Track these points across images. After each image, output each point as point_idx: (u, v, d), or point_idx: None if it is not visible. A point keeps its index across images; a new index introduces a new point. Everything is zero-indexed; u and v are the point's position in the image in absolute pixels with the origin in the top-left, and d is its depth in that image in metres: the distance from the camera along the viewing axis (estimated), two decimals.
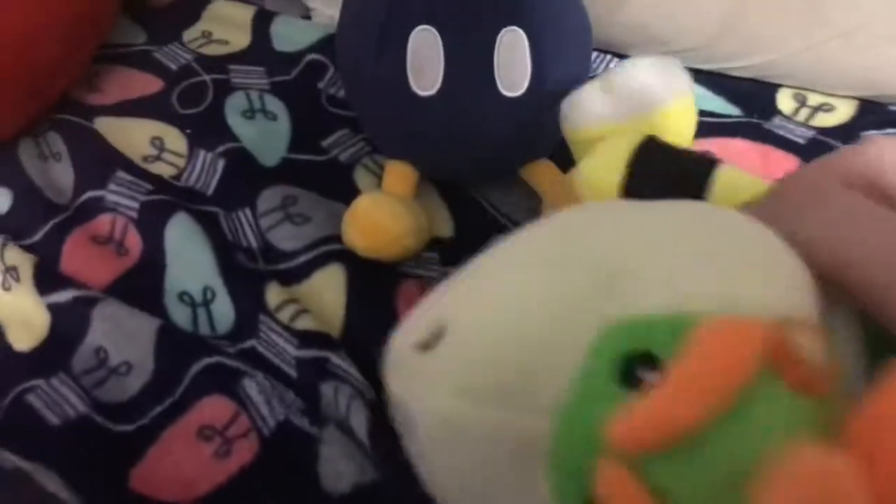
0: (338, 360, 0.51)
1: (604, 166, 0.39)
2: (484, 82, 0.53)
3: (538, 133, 0.57)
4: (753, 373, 0.19)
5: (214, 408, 0.51)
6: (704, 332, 0.19)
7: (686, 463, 0.19)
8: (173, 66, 0.74)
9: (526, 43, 0.53)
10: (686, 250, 0.23)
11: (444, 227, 0.61)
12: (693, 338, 0.19)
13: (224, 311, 0.56)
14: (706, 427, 0.19)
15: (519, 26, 0.53)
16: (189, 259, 0.58)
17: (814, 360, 0.21)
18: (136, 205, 0.61)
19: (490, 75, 0.53)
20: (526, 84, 0.54)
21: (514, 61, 0.53)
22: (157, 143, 0.67)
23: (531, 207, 0.61)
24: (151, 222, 0.60)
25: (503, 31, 0.53)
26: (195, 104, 0.70)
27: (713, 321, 0.20)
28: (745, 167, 0.64)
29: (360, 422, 0.48)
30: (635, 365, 0.20)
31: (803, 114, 0.70)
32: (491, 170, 0.61)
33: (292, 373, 0.52)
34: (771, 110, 0.71)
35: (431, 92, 0.54)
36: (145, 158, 0.66)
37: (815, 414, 0.20)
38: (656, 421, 0.19)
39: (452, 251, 0.59)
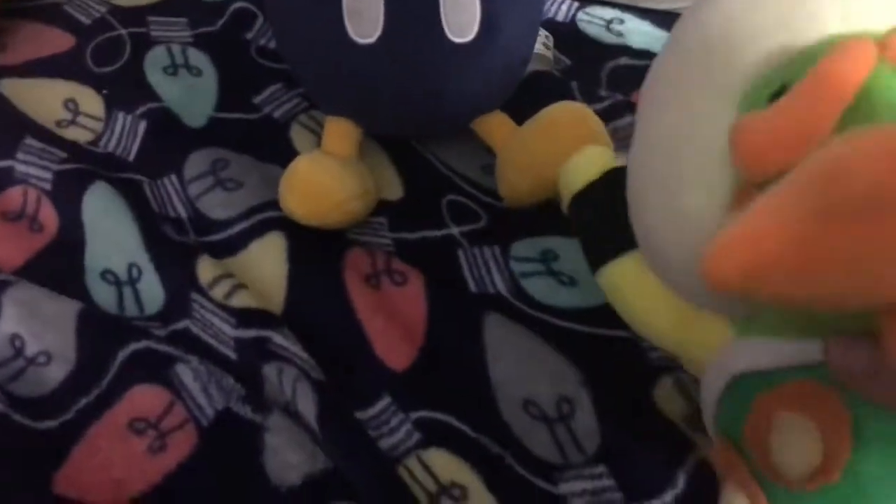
0: (280, 339, 0.47)
1: (582, 169, 0.43)
2: (429, 27, 0.49)
3: (490, 82, 0.53)
4: (858, 81, 0.22)
5: (145, 398, 0.47)
6: (827, 53, 0.23)
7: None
8: (86, 20, 0.68)
9: None
10: None
11: (392, 188, 0.57)
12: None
13: (152, 289, 0.51)
14: (817, 145, 0.21)
15: None
16: (111, 233, 0.53)
17: None
18: (49, 175, 0.56)
19: (436, 19, 0.49)
20: (475, 28, 0.50)
21: (461, 3, 0.49)
22: (71, 105, 0.61)
23: (485, 163, 0.57)
24: (67, 194, 0.55)
25: None
26: (111, 61, 0.64)
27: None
28: None
29: (307, 405, 0.44)
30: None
31: None
32: (440, 124, 0.57)
33: (231, 355, 0.48)
34: None
35: (371, 39, 0.49)
36: (58, 123, 0.60)
37: None
38: (765, 129, 0.22)
39: (402, 214, 0.55)
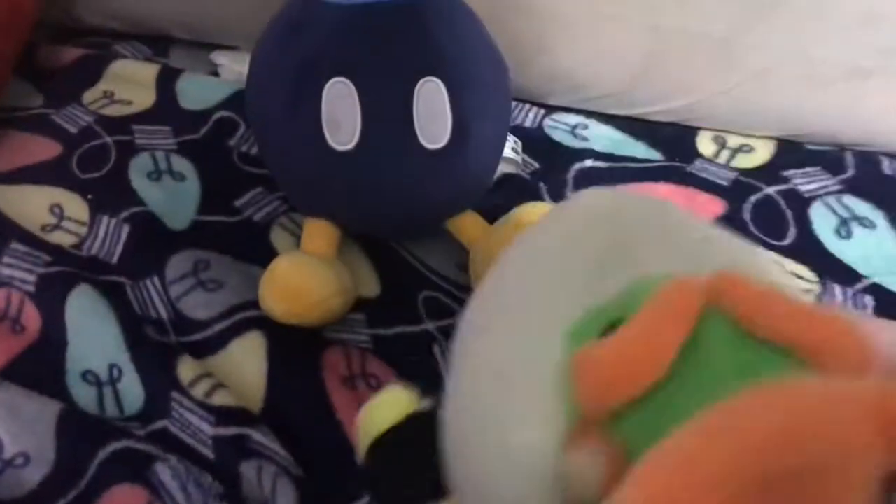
0: (259, 437, 0.48)
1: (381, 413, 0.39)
2: (404, 135, 0.51)
3: (462, 186, 0.55)
4: (695, 313, 0.22)
5: (124, 498, 0.46)
6: (659, 290, 0.22)
7: (647, 413, 0.20)
8: (73, 129, 0.70)
9: (445, 93, 0.51)
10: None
11: (370, 285, 0.59)
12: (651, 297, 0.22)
13: (132, 389, 0.52)
14: (663, 376, 0.20)
15: (436, 77, 0.51)
16: (92, 335, 0.54)
17: (768, 298, 0.22)
18: (32, 278, 0.57)
19: (410, 127, 0.51)
20: (447, 136, 0.52)
21: (433, 112, 0.51)
22: (57, 210, 0.63)
23: (459, 261, 0.59)
24: (50, 296, 0.56)
25: (421, 81, 0.51)
26: (97, 168, 0.66)
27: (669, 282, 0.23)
28: None
29: (287, 502, 0.45)
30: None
31: (724, 155, 0.71)
32: (415, 224, 0.59)
33: (209, 454, 0.48)
34: (692, 153, 0.71)
35: (349, 146, 0.51)
36: (43, 227, 0.62)
37: (769, 355, 0.21)
38: (612, 362, 0.21)
39: (379, 311, 0.57)
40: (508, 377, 0.25)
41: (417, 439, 0.36)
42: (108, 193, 0.64)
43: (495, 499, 0.26)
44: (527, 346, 0.25)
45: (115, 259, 0.59)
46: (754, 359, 0.21)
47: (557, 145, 0.73)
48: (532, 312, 0.26)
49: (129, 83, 0.75)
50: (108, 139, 0.69)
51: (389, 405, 0.39)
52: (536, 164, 0.70)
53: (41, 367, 0.53)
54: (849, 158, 0.70)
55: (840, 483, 0.17)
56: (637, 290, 0.24)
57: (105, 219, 0.62)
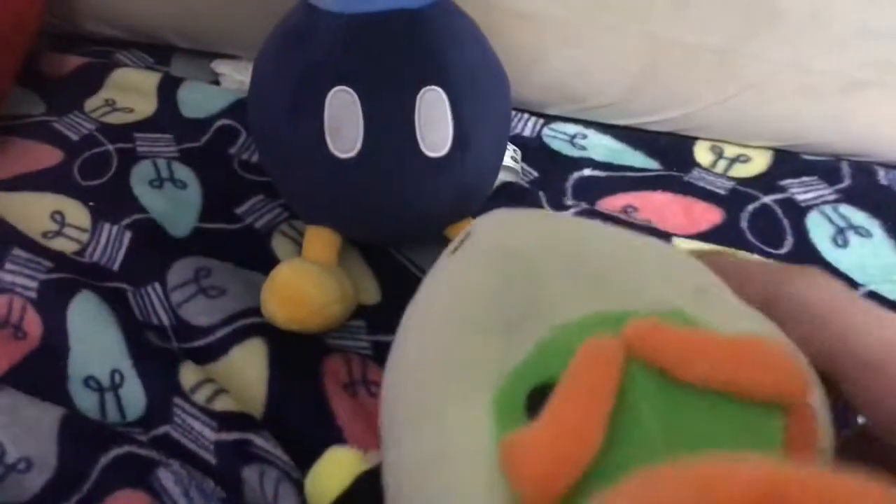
0: (261, 442, 0.48)
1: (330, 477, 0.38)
2: (405, 143, 0.52)
3: (463, 193, 0.56)
4: (618, 374, 0.20)
5: (127, 503, 0.46)
6: (573, 358, 0.21)
7: (587, 489, 0.19)
8: (74, 137, 0.70)
9: (447, 102, 0.52)
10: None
11: (370, 292, 0.59)
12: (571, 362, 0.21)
13: (134, 395, 0.52)
14: (600, 448, 0.19)
15: (438, 86, 0.52)
16: (94, 341, 0.54)
17: (688, 341, 0.21)
18: (34, 284, 0.57)
19: (411, 135, 0.52)
20: (448, 144, 0.53)
21: (435, 121, 0.52)
22: (58, 217, 0.63)
23: None
24: (52, 302, 0.56)
25: (423, 90, 0.51)
26: (98, 175, 0.67)
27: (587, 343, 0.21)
28: (668, 220, 0.65)
29: None
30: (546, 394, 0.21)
31: (721, 165, 0.72)
32: (416, 232, 0.59)
33: (211, 459, 0.48)
34: (689, 163, 0.72)
35: (351, 154, 0.52)
36: (45, 234, 0.62)
37: (697, 402, 0.20)
38: (546, 451, 0.19)
39: (380, 318, 0.57)
40: (442, 473, 0.23)
41: (370, 499, 0.34)
42: (110, 201, 0.64)
43: None
44: (455, 431, 0.23)
45: (116, 266, 0.60)
46: (682, 409, 0.20)
47: (556, 154, 0.73)
48: (450, 393, 0.24)
49: (131, 91, 0.76)
50: (110, 147, 0.69)
51: (333, 469, 0.38)
52: (535, 173, 0.71)
53: (43, 372, 0.53)
54: (845, 168, 0.71)
55: None
56: (554, 345, 0.23)
57: (107, 226, 0.62)
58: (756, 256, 0.62)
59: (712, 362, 0.20)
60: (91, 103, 0.74)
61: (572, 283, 0.24)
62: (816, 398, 0.21)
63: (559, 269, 0.25)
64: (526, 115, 0.76)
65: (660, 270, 0.26)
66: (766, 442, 0.19)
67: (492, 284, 0.26)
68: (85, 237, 0.62)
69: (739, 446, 0.19)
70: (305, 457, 0.48)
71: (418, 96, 0.51)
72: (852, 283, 0.61)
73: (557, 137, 0.75)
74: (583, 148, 0.74)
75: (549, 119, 0.76)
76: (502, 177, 0.65)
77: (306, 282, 0.52)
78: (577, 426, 0.19)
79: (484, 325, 0.25)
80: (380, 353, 0.55)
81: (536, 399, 0.21)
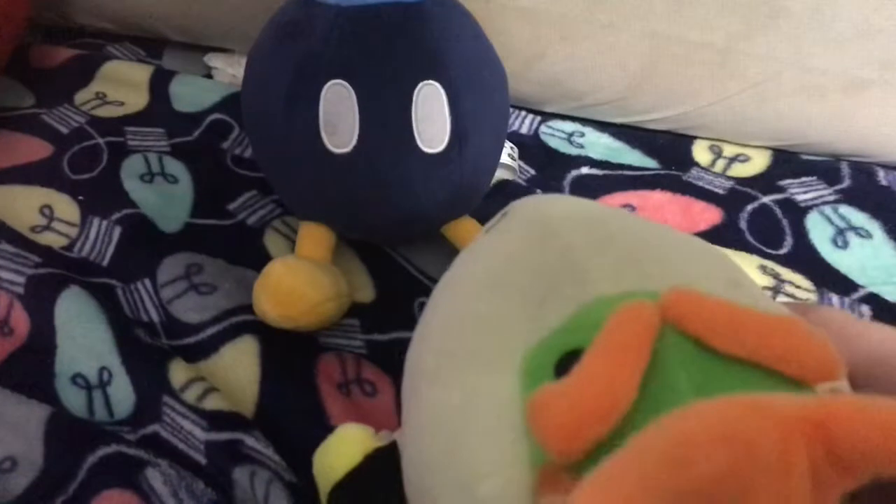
0: (252, 442, 0.47)
1: (339, 454, 0.37)
2: (402, 138, 0.51)
3: (460, 191, 0.55)
4: (652, 338, 0.20)
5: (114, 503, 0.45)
6: (608, 319, 0.21)
7: (614, 449, 0.18)
8: (64, 130, 0.69)
9: (444, 97, 0.51)
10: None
11: (365, 290, 0.58)
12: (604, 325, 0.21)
13: (123, 393, 0.51)
14: (626, 415, 0.19)
15: (436, 80, 0.51)
16: (82, 337, 0.53)
17: (724, 311, 0.21)
18: (21, 279, 0.56)
19: (408, 130, 0.51)
20: (446, 140, 0.52)
21: (432, 116, 0.51)
22: (47, 211, 0.62)
23: None
24: (39, 298, 0.55)
25: (420, 84, 0.50)
26: (88, 169, 0.65)
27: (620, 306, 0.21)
28: (667, 219, 0.65)
29: None
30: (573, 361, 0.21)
31: (720, 164, 0.71)
32: (412, 229, 0.58)
33: (201, 459, 0.47)
34: (688, 162, 0.71)
35: (346, 149, 0.51)
36: (33, 229, 0.61)
37: (730, 371, 0.20)
38: (572, 406, 0.19)
39: (374, 316, 0.56)
40: (465, 426, 0.24)
41: (379, 479, 0.34)
42: (100, 195, 0.63)
43: None
44: (480, 390, 0.24)
45: (105, 261, 0.59)
46: (715, 377, 0.20)
47: (553, 152, 0.73)
48: (479, 352, 0.25)
49: (122, 84, 0.75)
50: (100, 140, 0.68)
51: (343, 446, 0.37)
52: (532, 171, 0.70)
53: (30, 370, 0.52)
54: (845, 169, 0.70)
55: (765, 500, 0.16)
56: (589, 315, 0.23)
57: (96, 220, 0.61)
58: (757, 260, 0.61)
59: (748, 334, 0.20)
60: (81, 96, 0.73)
61: (608, 261, 0.25)
62: (845, 384, 0.21)
63: (595, 247, 0.25)
64: (523, 113, 0.76)
65: (694, 260, 0.26)
66: None
67: (527, 255, 0.26)
68: (74, 232, 0.61)
69: None
70: (298, 458, 0.47)
71: (415, 91, 0.50)
72: (852, 285, 0.60)
73: (555, 135, 0.74)
74: (580, 146, 0.73)
75: (547, 116, 0.76)
76: (499, 174, 0.64)
77: (300, 279, 0.51)
78: (607, 381, 0.19)
79: (517, 292, 0.25)
80: (374, 353, 0.54)
81: (566, 364, 0.21)
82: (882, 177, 0.70)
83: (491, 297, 0.26)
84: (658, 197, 0.67)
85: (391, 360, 0.53)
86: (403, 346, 0.53)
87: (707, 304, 0.21)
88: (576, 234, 0.26)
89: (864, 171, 0.70)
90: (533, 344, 0.23)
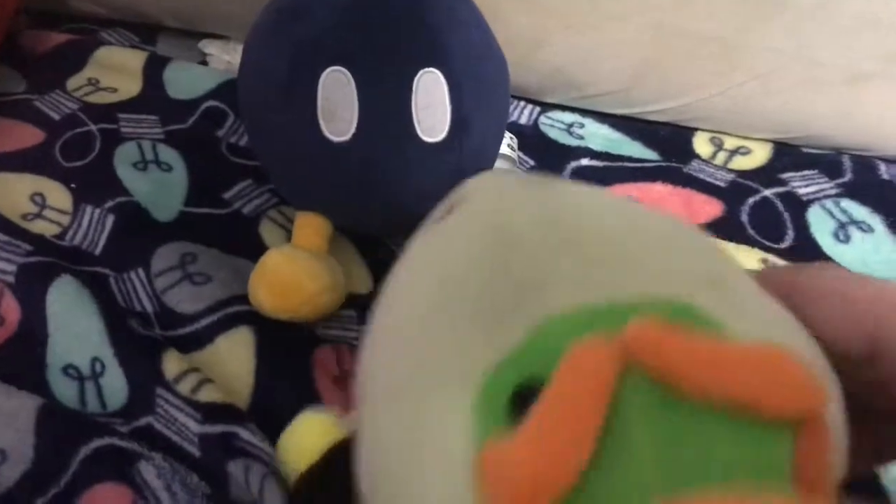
0: (247, 435, 0.46)
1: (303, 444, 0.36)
2: (401, 126, 0.50)
3: (460, 181, 0.54)
4: (612, 382, 0.18)
5: (106, 497, 0.44)
6: (561, 363, 0.19)
7: None
8: (56, 116, 0.68)
9: (445, 85, 0.50)
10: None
11: (362, 282, 0.57)
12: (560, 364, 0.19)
13: (115, 384, 0.50)
14: (583, 471, 0.18)
15: (436, 68, 0.50)
16: (75, 327, 0.52)
17: (694, 350, 0.19)
18: (12, 268, 0.55)
19: (408, 119, 0.50)
20: (446, 129, 0.51)
21: (432, 104, 0.50)
22: (38, 199, 0.61)
23: None
24: (31, 287, 0.54)
25: (420, 72, 0.50)
26: (81, 156, 0.64)
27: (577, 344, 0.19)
28: (667, 212, 0.64)
29: (275, 502, 0.43)
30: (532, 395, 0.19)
31: (721, 157, 0.70)
32: (410, 220, 0.57)
33: (195, 452, 0.46)
34: (689, 154, 0.70)
35: (345, 137, 0.50)
36: (24, 216, 0.60)
37: (699, 419, 0.18)
38: (527, 467, 0.18)
39: (371, 307, 0.55)
40: (414, 458, 0.22)
41: (343, 474, 0.33)
42: (93, 183, 0.62)
43: None
44: (431, 421, 0.21)
45: (98, 250, 0.58)
46: (682, 431, 0.18)
47: (553, 143, 0.72)
48: (431, 378, 0.22)
49: (115, 71, 0.74)
50: (93, 127, 0.67)
51: (308, 433, 0.36)
52: (532, 162, 0.69)
53: (20, 360, 0.51)
54: (846, 162, 0.70)
55: None
56: (544, 341, 0.21)
57: (89, 208, 0.60)
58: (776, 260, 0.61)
59: (721, 377, 0.18)
60: (73, 82, 0.72)
61: (571, 267, 0.22)
62: (834, 413, 0.20)
63: (557, 251, 0.23)
64: (522, 103, 0.75)
65: (670, 256, 0.23)
66: (772, 467, 0.18)
67: (483, 264, 0.23)
68: (66, 220, 0.60)
69: (742, 472, 0.17)
70: None
71: (416, 78, 0.49)
72: None
73: (554, 126, 0.73)
74: (580, 137, 0.72)
75: (546, 107, 0.75)
76: (498, 165, 0.63)
77: (297, 269, 0.50)
78: (559, 445, 0.18)
79: (471, 308, 0.22)
80: None
81: (522, 398, 0.20)
82: (884, 171, 0.69)
83: (441, 314, 0.23)
84: (659, 189, 0.66)
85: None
86: None
87: (671, 343, 0.19)
88: (535, 236, 0.23)
89: (865, 164, 0.70)
90: (489, 368, 0.21)
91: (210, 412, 0.47)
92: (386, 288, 0.26)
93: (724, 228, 0.63)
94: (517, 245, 0.23)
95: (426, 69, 0.50)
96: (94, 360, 0.51)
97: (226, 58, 0.77)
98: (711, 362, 0.18)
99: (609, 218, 0.24)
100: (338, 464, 0.33)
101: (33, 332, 0.52)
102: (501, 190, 0.26)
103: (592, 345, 0.19)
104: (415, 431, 0.22)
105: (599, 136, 0.72)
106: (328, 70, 0.49)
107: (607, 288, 0.21)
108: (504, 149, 0.65)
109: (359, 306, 0.55)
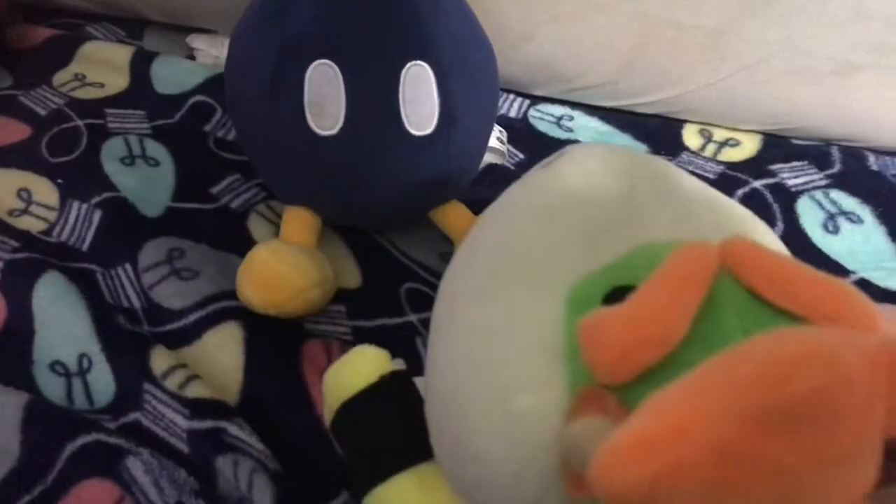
0: (235, 430, 0.46)
1: (353, 373, 0.38)
2: (389, 120, 0.50)
3: (448, 174, 0.54)
4: (710, 279, 0.21)
5: (94, 493, 0.44)
6: (669, 256, 0.21)
7: (657, 381, 0.19)
8: (42, 112, 0.68)
9: (433, 78, 0.50)
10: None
11: (351, 276, 0.57)
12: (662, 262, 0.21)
13: (103, 380, 0.50)
14: (675, 347, 0.20)
15: (424, 61, 0.50)
16: (62, 323, 0.52)
17: (782, 265, 0.22)
18: None
19: (396, 112, 0.50)
20: (434, 122, 0.51)
21: (420, 97, 0.50)
22: (24, 195, 0.60)
23: (443, 252, 0.58)
24: (18, 283, 0.53)
25: (408, 65, 0.49)
26: (67, 151, 0.64)
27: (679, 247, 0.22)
28: None
29: (264, 498, 0.43)
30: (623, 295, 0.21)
31: (710, 149, 0.70)
32: (399, 214, 0.57)
33: (183, 448, 0.46)
34: (678, 146, 0.70)
35: (333, 131, 0.50)
36: (11, 212, 0.59)
37: (781, 322, 0.21)
38: (627, 330, 0.20)
39: (360, 302, 0.55)
40: (506, 342, 0.24)
41: (393, 400, 0.34)
42: (79, 178, 0.62)
43: (485, 472, 0.25)
44: (524, 309, 0.24)
45: (85, 246, 0.57)
46: (765, 326, 0.21)
47: (542, 136, 0.72)
48: (526, 275, 0.25)
49: (102, 66, 0.73)
50: (80, 122, 0.67)
51: (359, 365, 0.38)
52: (521, 155, 0.69)
53: (7, 356, 0.51)
54: (835, 153, 0.70)
55: (846, 425, 0.16)
56: (642, 256, 0.24)
57: (76, 204, 0.60)
58: None
59: (801, 290, 0.21)
60: (60, 77, 0.72)
61: (666, 211, 0.26)
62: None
63: (655, 197, 0.26)
64: (512, 96, 0.74)
65: (744, 221, 0.27)
66: None
67: (587, 192, 0.27)
68: (53, 216, 0.59)
69: None
70: (282, 446, 0.46)
71: (403, 71, 0.49)
72: (843, 270, 0.60)
73: (544, 119, 0.73)
74: (570, 130, 0.72)
75: (536, 100, 0.75)
76: (487, 158, 0.63)
77: (285, 264, 0.50)
78: (663, 311, 0.20)
79: (572, 225, 0.26)
80: (360, 339, 0.53)
81: (614, 298, 0.22)
82: (873, 161, 0.69)
83: (545, 225, 0.26)
84: None
85: (379, 347, 0.52)
86: (390, 332, 0.53)
87: (766, 255, 0.22)
88: (639, 182, 0.27)
89: (854, 155, 0.70)
90: (581, 276, 0.24)
91: (198, 408, 0.47)
92: (488, 210, 0.30)
93: None
94: (622, 186, 0.27)
95: (414, 62, 0.50)
96: (82, 356, 0.50)
97: (213, 52, 0.76)
98: (793, 276, 0.22)
99: (697, 185, 0.29)
100: (386, 393, 0.36)
101: (20, 329, 0.52)
102: (601, 147, 0.30)
103: (697, 245, 0.22)
104: (512, 314, 0.24)
105: (589, 129, 0.72)
106: (315, 64, 0.49)
107: (696, 232, 0.25)
108: (493, 142, 0.65)
109: (348, 301, 0.55)
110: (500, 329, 0.24)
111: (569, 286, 0.24)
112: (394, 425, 0.34)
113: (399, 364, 0.38)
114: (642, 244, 0.24)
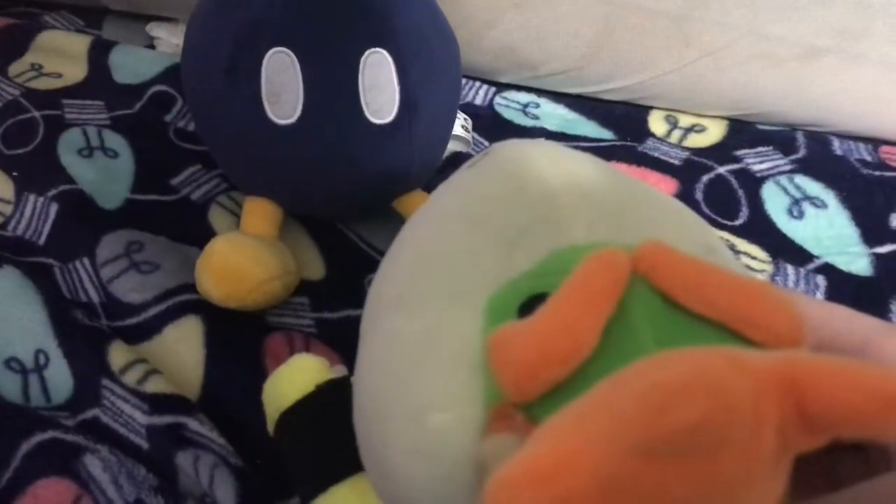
0: (196, 425, 0.45)
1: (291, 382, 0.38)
2: (348, 108, 0.49)
3: (411, 163, 0.53)
4: (621, 287, 0.20)
5: (50, 493, 0.43)
6: (579, 264, 0.21)
7: (568, 395, 0.18)
8: None
9: (392, 65, 0.49)
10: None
11: (314, 267, 0.56)
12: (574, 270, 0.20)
13: (60, 377, 0.49)
14: (585, 361, 0.19)
15: (383, 48, 0.49)
16: (17, 319, 0.50)
17: (698, 269, 0.21)
18: None
19: (355, 100, 0.49)
20: (395, 110, 0.50)
21: (380, 84, 0.49)
22: None
23: None
24: None
25: (367, 52, 0.49)
26: (23, 143, 0.63)
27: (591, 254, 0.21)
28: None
29: (226, 493, 0.42)
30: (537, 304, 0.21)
31: (676, 135, 0.70)
32: (361, 204, 0.56)
33: (143, 444, 0.45)
34: (644, 133, 0.70)
35: (291, 120, 0.49)
36: None
37: (696, 330, 0.20)
38: (533, 346, 0.19)
39: (324, 293, 0.54)
40: (422, 356, 0.24)
41: (330, 408, 0.34)
42: (36, 170, 0.61)
43: (406, 482, 0.24)
44: (442, 321, 0.24)
45: (42, 239, 0.56)
46: (679, 334, 0.20)
47: (508, 123, 0.71)
48: (445, 286, 0.25)
49: (59, 55, 0.72)
50: (36, 114, 0.65)
51: (297, 374, 0.37)
52: (486, 143, 0.68)
53: None
54: (800, 139, 0.70)
55: (733, 452, 0.16)
56: (559, 261, 0.23)
57: (32, 197, 0.58)
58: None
59: (717, 294, 0.20)
60: (15, 68, 0.70)
61: (586, 211, 0.25)
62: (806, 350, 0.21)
63: (575, 196, 0.25)
64: (477, 83, 0.74)
65: (672, 222, 0.26)
66: None
67: (506, 195, 0.26)
68: (8, 209, 0.58)
69: None
70: (244, 441, 0.46)
71: (362, 59, 0.49)
72: (807, 256, 0.60)
73: (510, 106, 0.73)
74: (535, 117, 0.72)
75: (502, 87, 0.74)
76: (452, 146, 0.63)
77: (244, 256, 0.49)
78: (571, 324, 0.19)
79: (491, 231, 0.25)
80: (324, 331, 0.52)
81: (530, 307, 0.21)
82: (837, 146, 0.69)
83: (464, 233, 0.26)
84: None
85: (342, 339, 0.51)
86: (354, 323, 0.52)
87: (680, 260, 0.21)
88: (558, 181, 0.26)
89: (819, 140, 0.70)
90: (501, 284, 0.23)
91: (157, 403, 0.46)
92: (413, 215, 0.29)
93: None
94: (541, 186, 0.26)
95: (372, 49, 0.49)
96: (38, 352, 0.49)
97: (174, 41, 0.75)
98: (709, 280, 0.21)
99: (622, 181, 0.27)
100: (324, 401, 0.35)
101: None
102: (532, 145, 0.29)
103: (608, 252, 0.21)
104: (429, 328, 0.24)
105: (555, 116, 0.72)
106: (271, 51, 0.48)
107: (616, 235, 0.24)
108: (458, 130, 0.64)
109: (311, 293, 0.54)
110: (418, 342, 0.24)
111: (487, 296, 0.23)
112: (330, 436, 0.33)
113: (339, 371, 0.37)
114: (561, 248, 0.24)
